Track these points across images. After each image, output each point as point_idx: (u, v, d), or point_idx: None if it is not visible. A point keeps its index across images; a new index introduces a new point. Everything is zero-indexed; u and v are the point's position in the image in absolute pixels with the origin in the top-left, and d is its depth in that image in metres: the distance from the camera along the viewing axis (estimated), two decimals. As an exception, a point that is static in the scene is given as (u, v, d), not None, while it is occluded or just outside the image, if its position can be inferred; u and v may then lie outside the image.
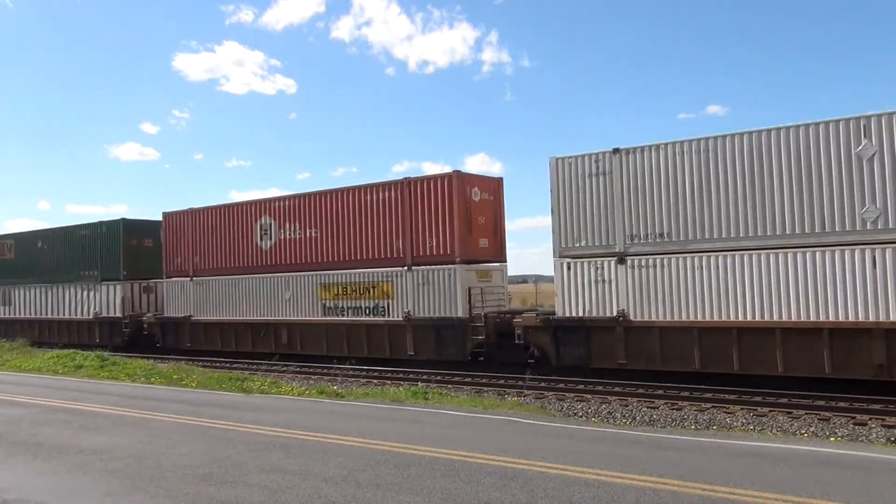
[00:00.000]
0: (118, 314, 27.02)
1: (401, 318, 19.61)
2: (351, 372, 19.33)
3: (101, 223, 28.48)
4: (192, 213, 25.47)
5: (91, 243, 28.60)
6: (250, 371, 20.00)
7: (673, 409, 13.03)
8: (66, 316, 29.12)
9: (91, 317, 28.00)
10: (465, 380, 17.14)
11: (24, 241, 32.00)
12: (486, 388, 16.01)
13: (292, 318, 22.08)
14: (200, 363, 22.47)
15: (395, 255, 19.90)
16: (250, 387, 15.07)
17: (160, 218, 26.84)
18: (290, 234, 22.35)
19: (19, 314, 31.34)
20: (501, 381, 16.78)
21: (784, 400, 13.24)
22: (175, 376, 17.05)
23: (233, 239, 23.96)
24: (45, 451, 8.47)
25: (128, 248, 27.41)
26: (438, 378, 17.42)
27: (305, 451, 8.17)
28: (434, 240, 19.21)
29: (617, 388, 15.21)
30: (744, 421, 11.87)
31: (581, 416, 12.67)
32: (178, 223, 25.92)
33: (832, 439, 10.31)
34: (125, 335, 26.69)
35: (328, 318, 21.18)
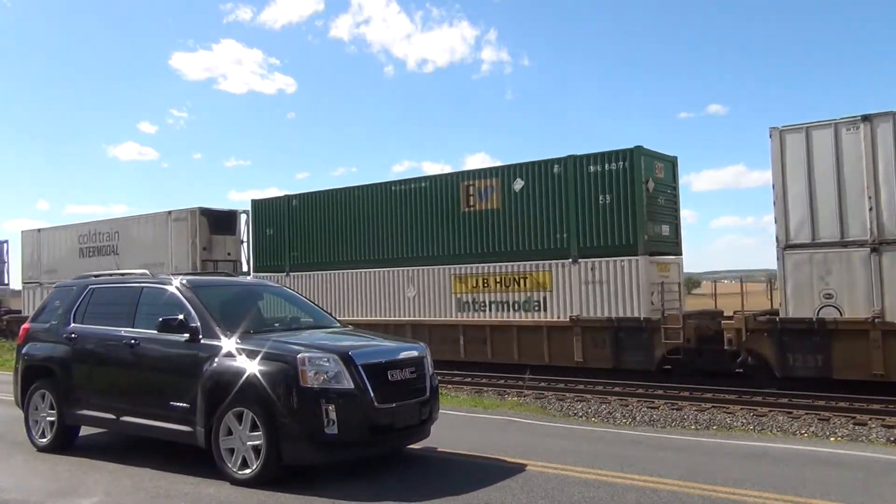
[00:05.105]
0: None
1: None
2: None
3: None
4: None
5: None
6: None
7: (673, 409, 13.03)
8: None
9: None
10: (466, 380, 17.15)
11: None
12: (486, 388, 16.02)
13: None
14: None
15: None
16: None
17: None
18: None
19: None
20: (501, 381, 16.79)
21: (784, 400, 13.26)
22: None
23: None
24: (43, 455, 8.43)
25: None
26: (438, 378, 17.36)
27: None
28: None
29: (617, 388, 15.24)
30: (744, 421, 11.87)
31: (581, 416, 12.67)
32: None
33: (832, 439, 10.31)
34: None
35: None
